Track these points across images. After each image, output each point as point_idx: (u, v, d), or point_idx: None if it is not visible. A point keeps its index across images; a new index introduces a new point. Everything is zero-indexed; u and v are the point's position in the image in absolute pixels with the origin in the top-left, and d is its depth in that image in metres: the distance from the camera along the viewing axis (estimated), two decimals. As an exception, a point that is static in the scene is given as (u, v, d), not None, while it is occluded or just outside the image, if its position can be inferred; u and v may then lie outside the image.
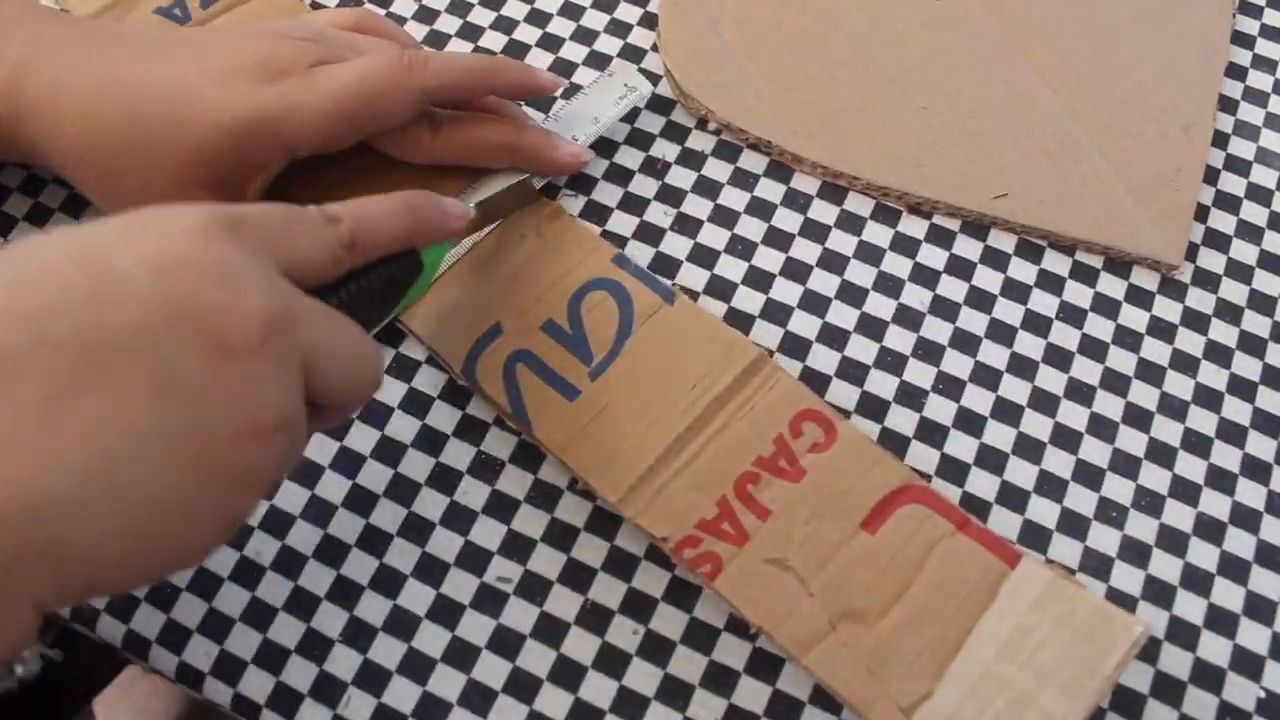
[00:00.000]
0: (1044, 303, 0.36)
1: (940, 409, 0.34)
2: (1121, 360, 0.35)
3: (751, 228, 0.37)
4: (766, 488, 0.31)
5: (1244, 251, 0.37)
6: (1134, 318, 0.36)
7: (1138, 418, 0.34)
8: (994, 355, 0.35)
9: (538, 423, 0.32)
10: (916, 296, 0.36)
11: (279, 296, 0.23)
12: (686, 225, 0.37)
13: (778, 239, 0.37)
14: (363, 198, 0.28)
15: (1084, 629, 0.29)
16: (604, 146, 0.38)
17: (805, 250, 0.36)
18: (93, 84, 0.30)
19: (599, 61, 0.40)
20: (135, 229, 0.22)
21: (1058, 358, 0.35)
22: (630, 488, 0.31)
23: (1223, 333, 0.36)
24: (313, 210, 0.26)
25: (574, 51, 0.40)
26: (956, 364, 0.35)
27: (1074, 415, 0.34)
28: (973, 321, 0.35)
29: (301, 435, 0.24)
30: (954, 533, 0.31)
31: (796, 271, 0.36)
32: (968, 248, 0.37)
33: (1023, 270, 0.36)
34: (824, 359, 0.35)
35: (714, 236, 0.37)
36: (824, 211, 0.37)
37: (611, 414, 0.32)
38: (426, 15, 0.41)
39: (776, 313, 0.35)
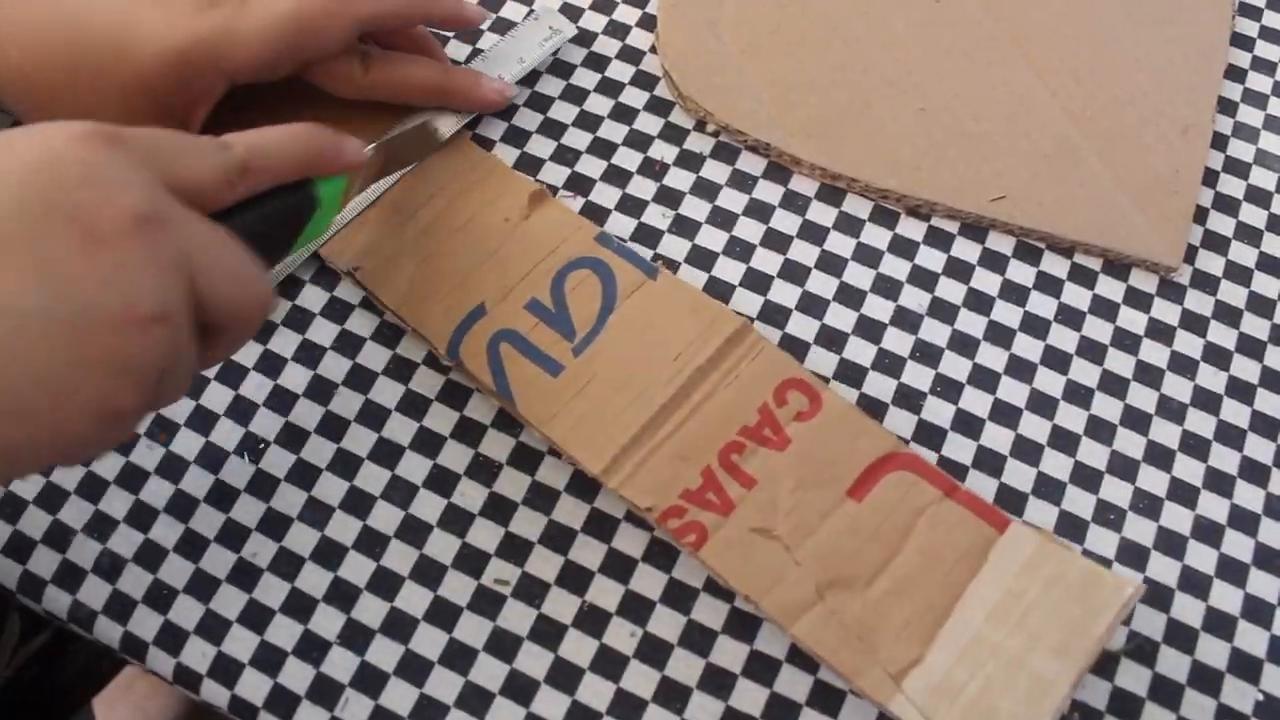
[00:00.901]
0: (1042, 305, 0.36)
1: (938, 411, 0.34)
2: (1120, 362, 0.35)
3: (750, 229, 0.37)
4: (751, 457, 0.31)
5: (1243, 254, 0.37)
6: (1132, 320, 0.36)
7: (1136, 420, 0.34)
8: (992, 357, 0.35)
9: (521, 398, 0.32)
10: (915, 298, 0.36)
11: (153, 200, 0.24)
12: (685, 227, 0.37)
13: (776, 241, 0.37)
14: (259, 128, 0.28)
15: (1074, 591, 0.29)
16: (602, 148, 0.38)
17: (803, 252, 0.36)
18: (34, 17, 0.31)
19: (598, 63, 0.40)
20: (20, 134, 0.24)
21: (1056, 360, 0.35)
22: (613, 458, 0.31)
23: (1221, 335, 0.35)
24: (205, 137, 0.27)
25: (572, 54, 0.40)
26: (955, 366, 0.35)
27: (1072, 417, 0.34)
28: (971, 323, 0.35)
29: (185, 338, 0.25)
30: (941, 499, 0.31)
31: (795, 273, 0.36)
32: (966, 250, 0.37)
33: (1021, 272, 0.36)
34: (822, 360, 0.35)
35: (712, 238, 0.37)
36: (822, 213, 0.37)
37: (595, 388, 0.32)
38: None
39: (774, 314, 0.35)
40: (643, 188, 0.37)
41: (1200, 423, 0.34)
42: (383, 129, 0.36)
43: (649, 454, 0.31)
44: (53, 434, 0.23)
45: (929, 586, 0.30)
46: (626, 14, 0.41)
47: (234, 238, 0.26)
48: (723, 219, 0.37)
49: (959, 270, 0.36)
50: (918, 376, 0.34)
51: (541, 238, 0.35)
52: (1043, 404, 0.34)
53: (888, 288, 0.36)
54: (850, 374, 0.34)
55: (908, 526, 0.31)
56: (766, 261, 0.36)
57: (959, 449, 0.33)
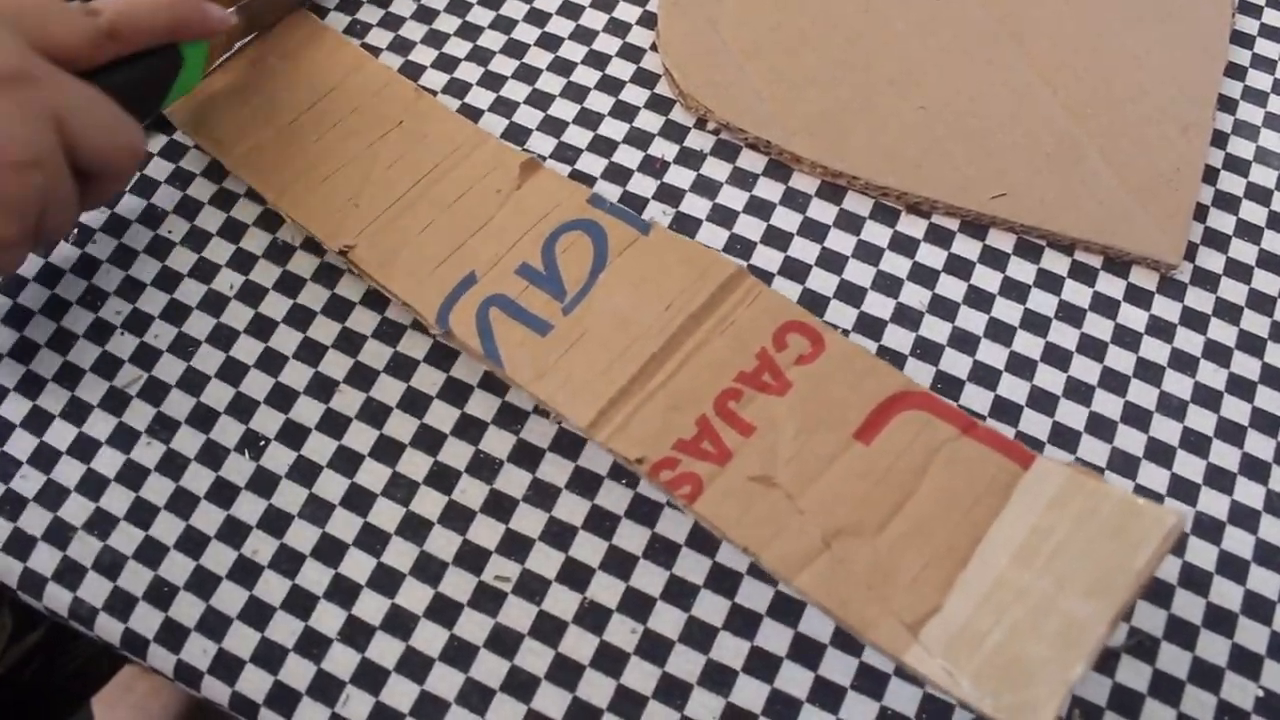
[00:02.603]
0: (1043, 302, 0.36)
1: (939, 408, 0.34)
2: (1120, 359, 0.35)
3: (750, 227, 0.37)
4: (749, 404, 0.30)
5: (1243, 251, 0.37)
6: (1133, 317, 0.36)
7: (1136, 417, 0.34)
8: (993, 355, 0.35)
9: (509, 360, 0.32)
10: (915, 296, 0.36)
11: (20, 59, 0.26)
12: (685, 224, 0.37)
13: (777, 238, 0.37)
14: None
15: (1109, 525, 0.26)
16: (603, 146, 0.38)
17: (804, 249, 0.36)
18: None
19: (598, 61, 0.40)
20: None
21: (1056, 357, 0.35)
22: (600, 411, 0.30)
23: (1222, 332, 0.36)
24: (73, 3, 0.29)
25: (573, 51, 0.40)
26: (955, 363, 0.35)
27: (1073, 414, 0.34)
28: (971, 321, 0.35)
29: (60, 182, 0.27)
30: (958, 436, 0.29)
31: (795, 271, 0.36)
32: (966, 247, 0.37)
33: (1022, 270, 0.36)
34: (823, 358, 0.35)
35: (713, 236, 0.37)
36: (823, 211, 0.37)
37: (584, 344, 0.32)
38: (426, 15, 0.41)
39: (775, 312, 0.35)
40: (643, 185, 0.37)
41: (1201, 420, 0.34)
42: None
43: (639, 405, 0.30)
44: None
45: (946, 530, 0.27)
46: (627, 12, 0.41)
47: (103, 93, 0.29)
48: (723, 216, 0.37)
49: (960, 267, 0.36)
50: (918, 373, 0.34)
51: (533, 205, 0.35)
52: (1043, 401, 0.34)
53: (888, 285, 0.36)
54: (851, 371, 0.34)
55: (921, 467, 0.28)
56: (767, 259, 0.36)
57: (960, 446, 0.33)
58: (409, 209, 0.35)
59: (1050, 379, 0.35)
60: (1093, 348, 0.35)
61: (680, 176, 0.38)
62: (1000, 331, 0.35)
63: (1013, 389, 0.34)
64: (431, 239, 0.34)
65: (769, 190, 0.37)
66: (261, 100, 0.37)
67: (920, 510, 0.28)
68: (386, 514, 0.32)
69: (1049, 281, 0.36)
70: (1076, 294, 0.36)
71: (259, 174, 0.36)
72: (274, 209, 0.35)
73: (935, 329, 0.35)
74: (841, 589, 0.27)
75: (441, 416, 0.34)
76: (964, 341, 0.35)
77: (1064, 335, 0.35)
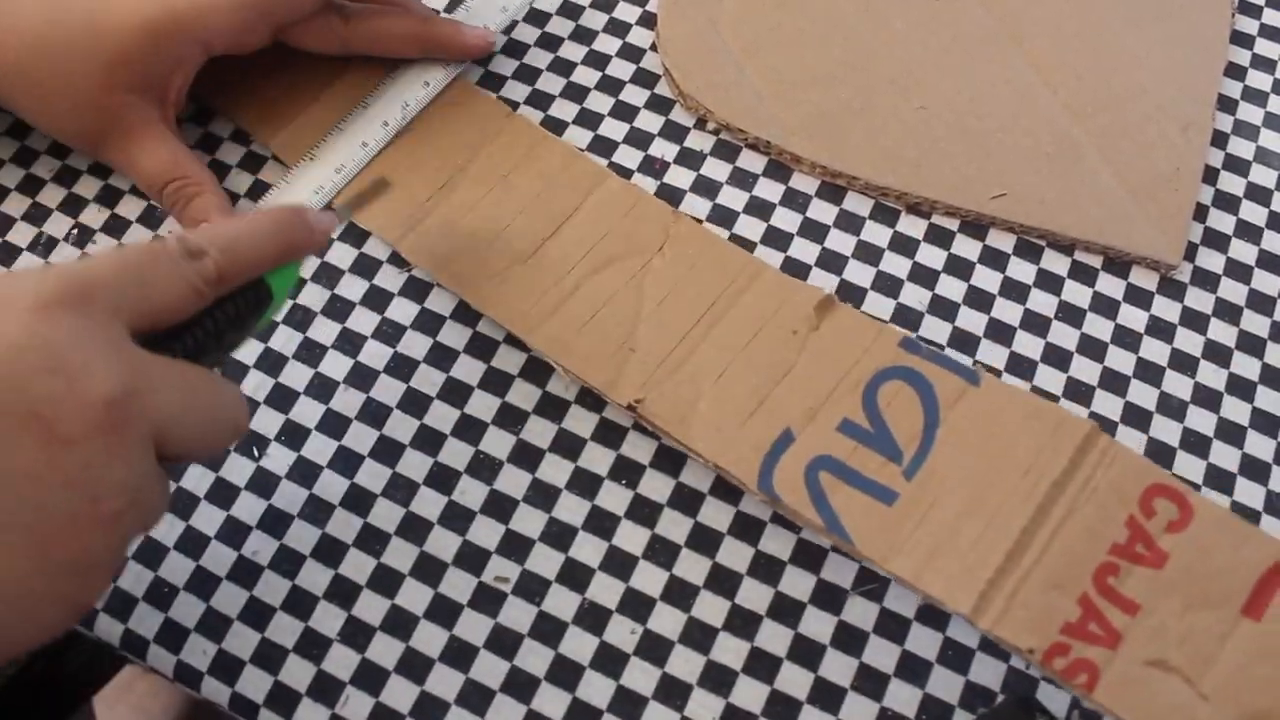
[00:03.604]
0: (1043, 302, 0.36)
1: (939, 409, 0.34)
2: (1120, 360, 0.35)
3: (750, 227, 0.37)
4: (1128, 578, 0.28)
5: (1243, 251, 0.37)
6: (1133, 317, 0.36)
7: (1136, 417, 0.34)
8: (993, 355, 0.35)
9: (857, 533, 0.29)
10: (915, 296, 0.36)
11: (124, 375, 0.22)
12: (685, 225, 0.37)
13: (776, 238, 0.37)
14: (227, 222, 0.28)
15: None
16: (603, 146, 0.38)
17: (804, 249, 0.36)
18: (13, 6, 0.32)
19: (598, 61, 0.40)
20: None
21: (1056, 357, 0.35)
22: (981, 594, 0.28)
23: (1222, 332, 0.35)
24: (173, 246, 0.25)
25: (573, 51, 0.40)
26: (955, 364, 0.35)
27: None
28: (971, 321, 0.35)
29: (156, 500, 0.24)
30: None
31: (795, 271, 0.36)
32: (966, 247, 0.37)
33: (1021, 270, 0.36)
34: (822, 358, 0.35)
35: (713, 236, 0.37)
36: (823, 211, 0.37)
37: (939, 514, 0.29)
38: (425, 15, 0.41)
39: (775, 312, 0.35)
40: (644, 186, 0.37)
41: (1201, 420, 0.34)
42: (372, 83, 0.37)
43: (1018, 585, 0.28)
44: (25, 633, 0.22)
45: None
46: (626, 12, 0.41)
47: (195, 369, 0.25)
48: (723, 217, 0.37)
49: (959, 268, 0.36)
50: (918, 374, 0.34)
51: (838, 349, 0.32)
52: (1043, 401, 0.34)
53: (888, 285, 0.36)
54: (851, 371, 0.34)
55: None
56: (768, 259, 0.36)
57: (959, 446, 0.33)
58: (693, 353, 0.32)
59: (1050, 379, 0.35)
60: (1092, 348, 0.35)
61: (680, 177, 0.37)
62: (1000, 332, 0.35)
63: (1012, 389, 0.34)
64: (730, 389, 0.32)
65: (769, 190, 0.37)
66: (486, 225, 0.35)
67: None
68: (386, 514, 0.32)
69: (1049, 282, 0.36)
70: (1076, 294, 0.36)
71: (505, 310, 0.33)
72: (540, 356, 0.33)
73: (935, 329, 0.35)
74: None
75: (441, 417, 0.34)
76: (964, 343, 0.35)
77: (1064, 336, 0.35)
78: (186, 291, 0.25)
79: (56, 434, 0.21)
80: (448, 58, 0.38)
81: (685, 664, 0.31)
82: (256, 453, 0.33)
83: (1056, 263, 0.36)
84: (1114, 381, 0.35)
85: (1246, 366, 0.35)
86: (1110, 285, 0.36)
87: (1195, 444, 0.34)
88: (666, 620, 0.31)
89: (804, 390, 0.32)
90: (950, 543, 0.29)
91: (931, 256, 0.36)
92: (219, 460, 0.33)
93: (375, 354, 0.35)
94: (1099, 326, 0.35)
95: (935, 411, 0.31)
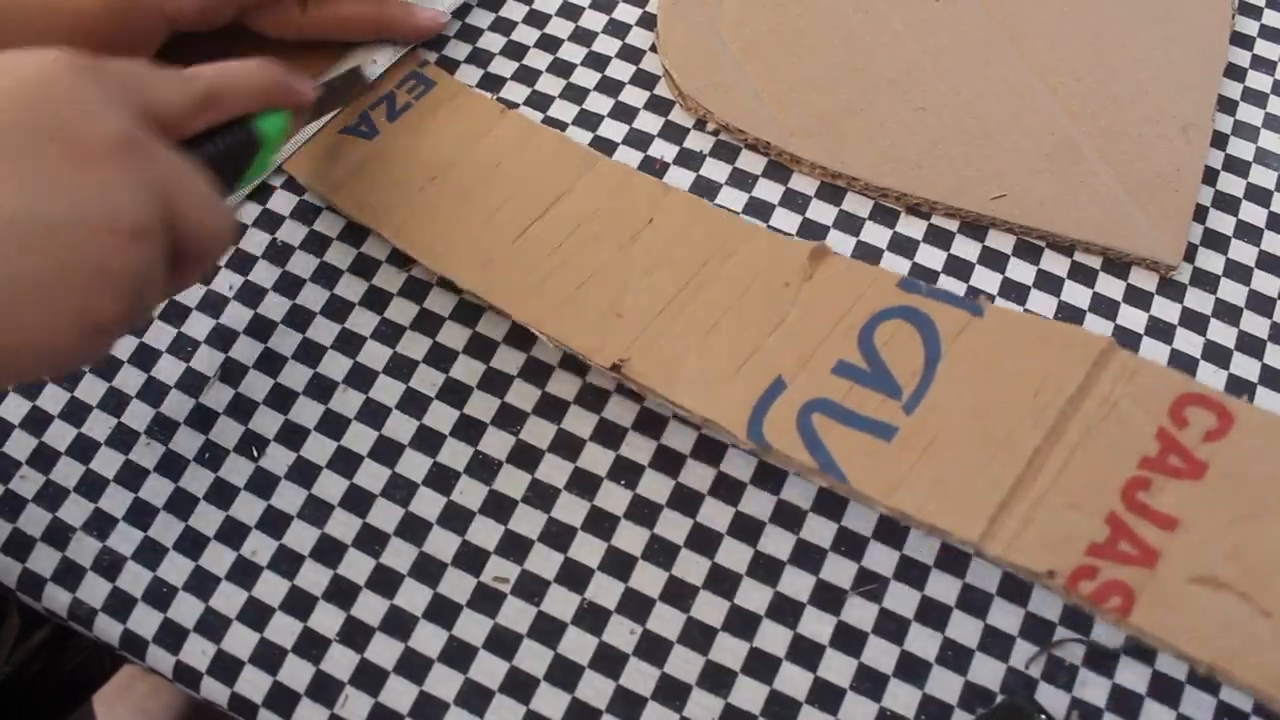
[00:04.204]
0: (1042, 303, 0.36)
1: (938, 409, 0.34)
2: (1120, 361, 0.35)
3: (750, 228, 0.37)
4: (1162, 492, 0.26)
5: (1242, 252, 0.37)
6: (1132, 318, 0.36)
7: (1136, 418, 0.34)
8: (992, 355, 0.35)
9: (854, 473, 0.28)
10: (915, 297, 0.36)
11: (132, 127, 0.25)
12: (685, 225, 0.37)
13: (776, 239, 0.37)
14: (220, 62, 0.30)
15: None
16: (603, 147, 0.38)
17: (803, 250, 0.36)
18: None
19: (598, 62, 0.40)
20: (8, 56, 0.25)
21: (1056, 358, 0.35)
22: (991, 519, 0.26)
23: (1221, 333, 0.35)
24: (172, 69, 0.28)
25: (573, 52, 0.40)
26: (954, 364, 0.35)
27: (1072, 416, 0.34)
28: (971, 322, 0.35)
29: (160, 257, 0.26)
30: None
31: (795, 272, 0.36)
32: (966, 248, 0.37)
33: (1021, 270, 0.36)
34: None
35: (712, 236, 0.36)
36: (822, 212, 0.37)
37: (943, 445, 0.28)
38: (425, 15, 0.41)
39: (774, 313, 0.35)
40: (643, 186, 0.37)
41: (1200, 421, 0.34)
42: (322, 69, 0.38)
43: (1032, 509, 0.26)
44: (35, 340, 0.24)
45: None
46: (626, 13, 0.41)
47: (197, 166, 0.27)
48: (723, 217, 0.37)
49: (959, 268, 0.36)
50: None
51: (833, 296, 0.31)
52: (1043, 402, 0.34)
53: (888, 286, 0.36)
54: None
55: None
56: (766, 260, 0.36)
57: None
58: (681, 313, 0.32)
59: (1049, 380, 0.35)
60: (1092, 349, 0.35)
61: (680, 178, 0.37)
62: (999, 332, 0.35)
63: (1012, 390, 0.34)
64: (719, 344, 0.31)
65: (769, 191, 0.37)
66: (476, 212, 0.34)
67: None
68: (385, 515, 0.32)
69: (1048, 282, 0.36)
70: (1076, 295, 0.36)
71: (491, 287, 0.33)
72: (525, 325, 0.33)
73: (934, 330, 0.35)
74: None
75: (440, 417, 0.34)
76: (963, 342, 0.35)
77: (1063, 336, 0.35)
78: (183, 102, 0.28)
79: (77, 151, 0.24)
80: (400, 39, 0.39)
81: (684, 664, 0.31)
82: (256, 453, 0.33)
83: (1056, 263, 0.36)
84: (1113, 382, 0.35)
85: (1246, 367, 0.35)
86: (1110, 286, 0.36)
87: (1195, 445, 0.34)
88: (666, 620, 0.31)
89: (797, 339, 0.30)
90: (955, 472, 0.27)
91: (931, 257, 0.36)
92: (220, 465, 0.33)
93: (375, 354, 0.35)
94: (1099, 327, 0.35)
95: (937, 345, 0.29)
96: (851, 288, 0.31)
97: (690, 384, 0.30)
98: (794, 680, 0.30)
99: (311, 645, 0.31)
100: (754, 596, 0.31)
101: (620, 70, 0.40)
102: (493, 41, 0.40)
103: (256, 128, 0.31)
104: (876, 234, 0.37)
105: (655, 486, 0.33)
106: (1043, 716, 0.29)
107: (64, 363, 0.26)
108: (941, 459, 0.28)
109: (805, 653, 0.31)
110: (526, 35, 0.40)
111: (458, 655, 0.31)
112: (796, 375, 0.30)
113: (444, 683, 0.30)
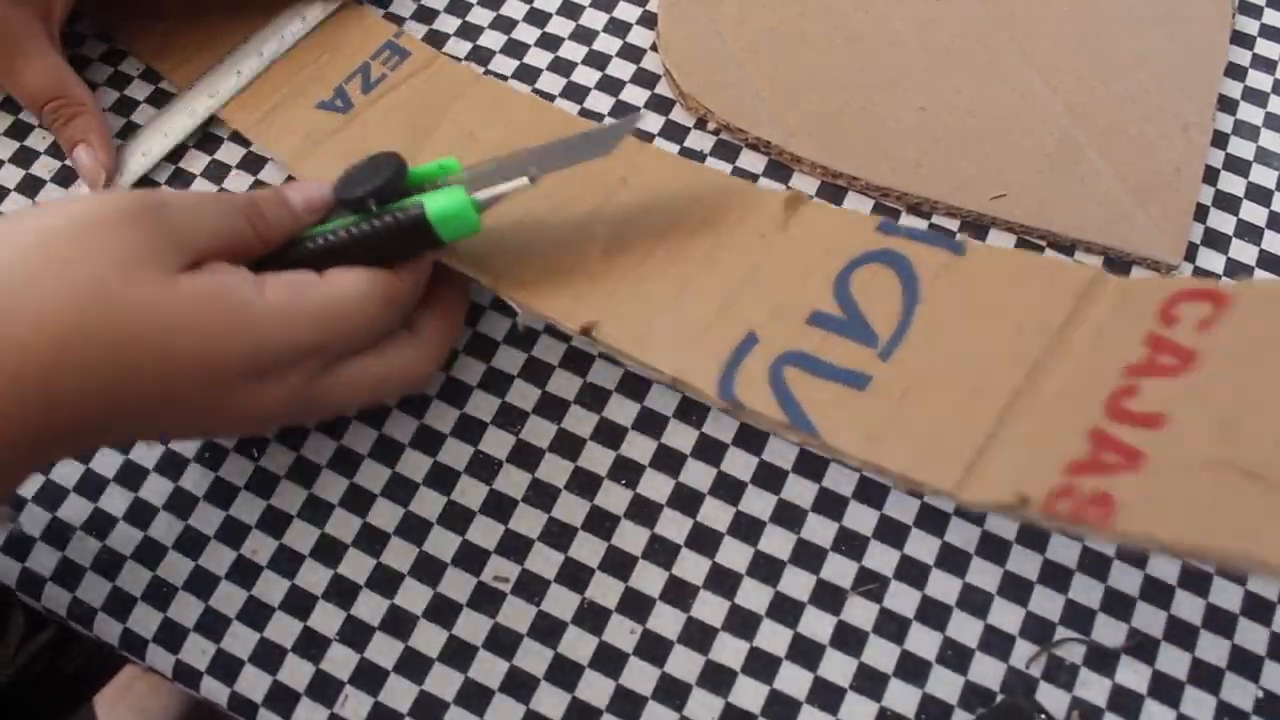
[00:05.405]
0: (1043, 303, 0.36)
1: (938, 409, 0.34)
2: (1120, 360, 0.35)
3: (750, 227, 0.37)
4: (1148, 393, 0.23)
5: (1243, 252, 0.37)
6: (1133, 318, 0.36)
7: (1136, 418, 0.34)
8: (992, 355, 0.35)
9: (825, 425, 0.26)
10: (915, 296, 0.36)
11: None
12: (685, 225, 0.37)
13: (776, 238, 0.36)
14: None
15: None
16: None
17: (804, 250, 0.36)
18: None
19: (598, 61, 0.40)
20: None
21: (1056, 358, 0.35)
22: (968, 468, 0.24)
23: (1222, 333, 0.35)
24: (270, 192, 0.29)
25: (573, 51, 0.40)
26: (955, 364, 0.35)
27: (1072, 415, 0.34)
28: (971, 321, 0.35)
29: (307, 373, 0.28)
30: None
31: (795, 271, 0.36)
32: (966, 247, 0.37)
33: (1021, 270, 0.36)
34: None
35: (712, 236, 0.36)
36: (823, 211, 0.37)
37: (920, 391, 0.26)
38: (426, 15, 0.41)
39: (775, 312, 0.35)
40: (643, 185, 0.37)
41: (1201, 420, 0.34)
42: (262, 21, 0.38)
43: (1011, 448, 0.24)
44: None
45: None
46: (627, 12, 0.41)
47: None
48: (723, 217, 0.37)
49: (959, 268, 0.36)
50: (918, 374, 0.34)
51: (808, 243, 0.29)
52: (1043, 402, 0.34)
53: (888, 285, 0.36)
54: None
55: None
56: (767, 259, 0.36)
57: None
58: (656, 273, 0.31)
59: (1050, 379, 0.35)
60: (1093, 348, 0.35)
61: (680, 177, 0.37)
62: (1000, 332, 0.35)
63: (1012, 389, 0.34)
64: (691, 302, 0.30)
65: (769, 190, 0.37)
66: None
67: None
68: (385, 514, 0.32)
69: (1049, 282, 0.36)
70: (1076, 294, 0.36)
71: (466, 257, 0.32)
72: (494, 292, 0.32)
73: (935, 329, 0.35)
74: None
75: (441, 416, 0.34)
76: (964, 342, 0.35)
77: (1064, 336, 0.35)
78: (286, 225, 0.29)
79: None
80: None
81: (685, 664, 0.31)
82: (256, 453, 0.33)
83: (1056, 263, 0.36)
84: (1114, 382, 0.35)
85: (1247, 367, 0.35)
86: (1110, 285, 0.36)
87: (1195, 444, 0.34)
88: (666, 620, 0.31)
89: (770, 291, 0.29)
90: (932, 420, 0.25)
91: (931, 256, 0.36)
92: (221, 453, 0.33)
93: (375, 354, 0.35)
94: (1099, 327, 0.35)
95: (915, 288, 0.28)
96: (828, 235, 0.30)
97: (661, 344, 0.29)
98: (794, 680, 0.30)
99: (311, 645, 0.31)
100: (754, 595, 0.31)
101: (621, 69, 0.40)
102: (493, 40, 0.40)
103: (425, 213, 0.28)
104: (877, 233, 0.37)
105: (655, 485, 0.33)
106: (1043, 716, 0.29)
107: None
108: (918, 406, 0.26)
109: (805, 652, 0.31)
110: (527, 34, 0.40)
111: (458, 655, 0.31)
112: (769, 329, 0.28)
113: (444, 682, 0.30)
